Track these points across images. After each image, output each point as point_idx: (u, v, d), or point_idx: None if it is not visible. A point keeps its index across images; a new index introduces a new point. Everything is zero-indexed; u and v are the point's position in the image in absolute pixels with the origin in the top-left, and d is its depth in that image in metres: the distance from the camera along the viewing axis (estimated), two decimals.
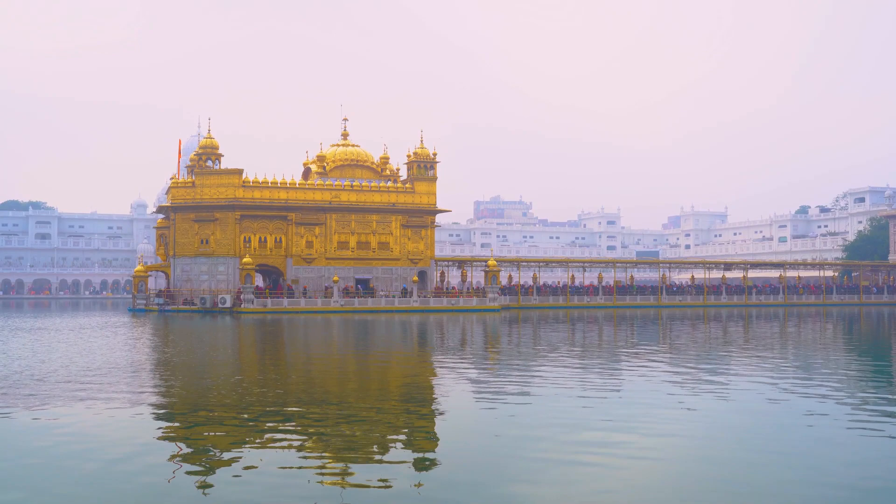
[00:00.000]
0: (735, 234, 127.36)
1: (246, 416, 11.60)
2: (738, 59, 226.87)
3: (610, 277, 66.64)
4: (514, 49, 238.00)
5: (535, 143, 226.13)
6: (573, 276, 65.31)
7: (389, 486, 7.80)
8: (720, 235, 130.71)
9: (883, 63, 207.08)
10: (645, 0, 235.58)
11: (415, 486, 7.82)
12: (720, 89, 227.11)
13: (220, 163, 55.20)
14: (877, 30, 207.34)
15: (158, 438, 10.10)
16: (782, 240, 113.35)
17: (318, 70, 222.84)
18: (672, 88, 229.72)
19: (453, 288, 60.23)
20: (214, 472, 8.35)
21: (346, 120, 62.73)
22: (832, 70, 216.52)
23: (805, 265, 77.93)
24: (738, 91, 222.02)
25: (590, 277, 73.33)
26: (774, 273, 75.40)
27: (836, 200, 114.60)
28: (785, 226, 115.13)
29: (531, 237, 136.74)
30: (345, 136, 62.29)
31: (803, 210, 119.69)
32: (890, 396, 13.83)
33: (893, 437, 10.07)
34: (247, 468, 8.47)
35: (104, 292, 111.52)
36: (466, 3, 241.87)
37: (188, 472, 8.34)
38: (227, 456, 9.06)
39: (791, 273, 73.11)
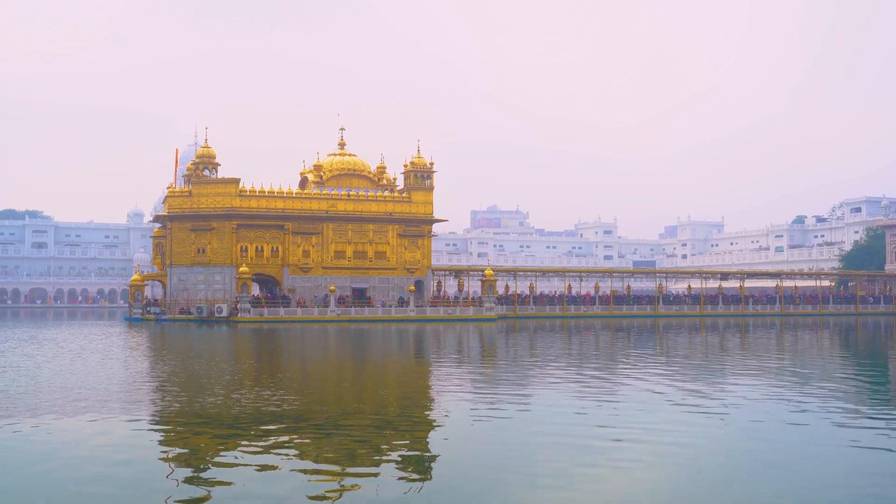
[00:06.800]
0: (732, 243, 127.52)
1: (245, 425, 11.56)
2: (738, 73, 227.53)
3: (607, 287, 66.66)
4: (511, 64, 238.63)
5: (532, 154, 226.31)
6: (570, 285, 65.31)
7: (386, 497, 7.77)
8: (717, 245, 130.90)
9: (881, 78, 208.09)
10: (643, 15, 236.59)
11: (411, 492, 7.79)
12: (719, 103, 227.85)
13: (216, 172, 55.22)
14: (875, 45, 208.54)
15: (157, 451, 10.07)
16: (779, 249, 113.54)
17: (315, 81, 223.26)
18: (672, 101, 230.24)
19: (447, 296, 60.18)
20: (209, 483, 8.32)
21: (343, 129, 62.83)
22: (831, 84, 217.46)
23: (801, 275, 78.01)
24: (737, 104, 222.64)
25: (586, 287, 73.31)
26: (771, 283, 75.48)
27: (833, 210, 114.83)
28: (781, 235, 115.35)
29: (528, 247, 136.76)
30: (342, 145, 62.36)
31: (800, 220, 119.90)
32: (886, 409, 13.83)
33: (889, 450, 10.07)
34: (245, 478, 8.44)
35: (102, 301, 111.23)
36: (463, 19, 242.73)
37: (186, 482, 8.31)
38: (225, 465, 9.03)
39: (788, 283, 73.18)
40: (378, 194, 57.84)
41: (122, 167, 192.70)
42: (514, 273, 64.22)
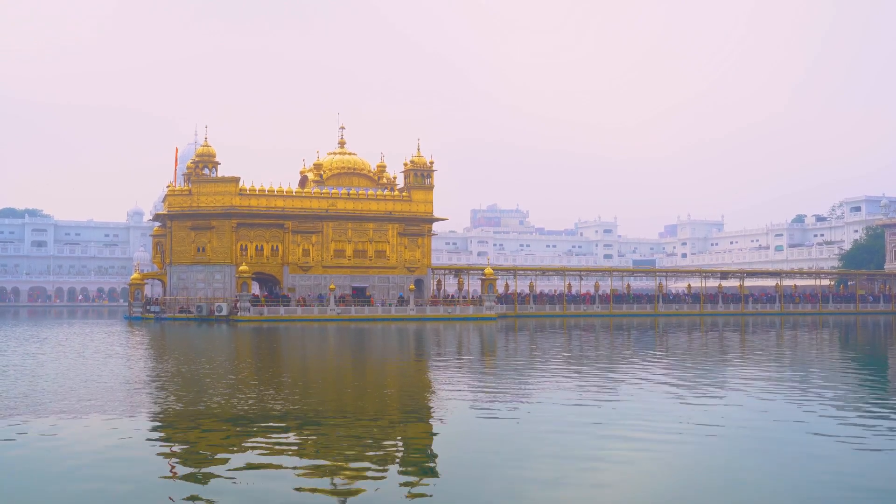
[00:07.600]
0: (732, 242, 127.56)
1: (247, 424, 11.58)
2: (738, 73, 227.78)
3: (607, 286, 66.70)
4: (511, 64, 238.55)
5: (532, 154, 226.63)
6: (570, 284, 65.35)
7: (387, 496, 7.79)
8: (717, 244, 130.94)
9: (881, 78, 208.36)
10: (643, 15, 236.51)
11: (412, 491, 7.81)
12: (719, 103, 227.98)
13: (216, 171, 55.19)
14: (875, 45, 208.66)
15: (159, 449, 10.09)
16: (779, 248, 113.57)
17: (315, 81, 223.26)
18: (672, 101, 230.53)
19: (447, 295, 60.18)
20: (211, 482, 8.34)
21: (342, 128, 62.77)
22: (831, 84, 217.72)
23: (801, 274, 78.07)
24: (737, 104, 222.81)
25: (586, 286, 73.37)
26: (771, 282, 75.50)
27: (833, 209, 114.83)
28: (781, 234, 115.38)
29: (528, 246, 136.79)
30: (342, 144, 62.32)
31: (800, 219, 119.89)
32: (887, 407, 13.85)
33: (891, 447, 10.10)
34: (246, 476, 8.46)
35: (105, 299, 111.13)
36: (463, 20, 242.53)
37: (187, 480, 8.33)
38: (227, 464, 9.04)
39: (787, 282, 73.20)
40: (378, 193, 57.82)
41: (122, 167, 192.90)
42: (514, 272, 64.24)
